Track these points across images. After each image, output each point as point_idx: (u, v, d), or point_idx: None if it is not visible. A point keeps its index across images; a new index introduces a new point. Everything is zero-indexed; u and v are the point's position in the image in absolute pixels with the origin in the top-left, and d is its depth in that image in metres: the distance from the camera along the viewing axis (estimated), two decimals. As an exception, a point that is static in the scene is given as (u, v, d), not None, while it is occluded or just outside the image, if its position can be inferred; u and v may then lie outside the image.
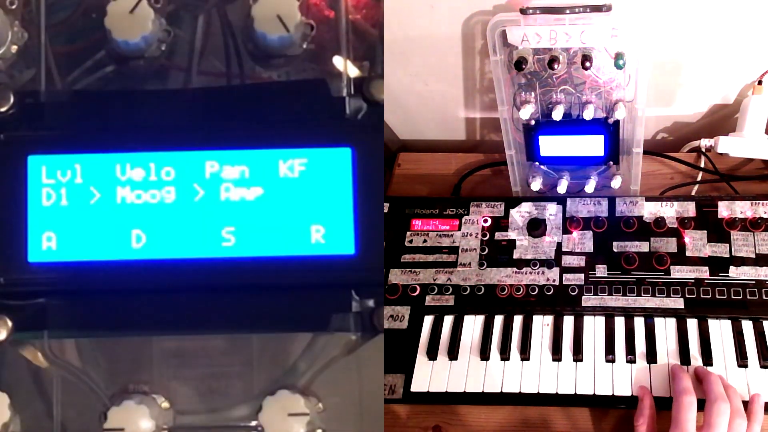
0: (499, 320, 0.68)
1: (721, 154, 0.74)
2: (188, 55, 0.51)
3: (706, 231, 0.68)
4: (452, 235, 0.73)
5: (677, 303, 0.65)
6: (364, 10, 0.51)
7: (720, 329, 0.64)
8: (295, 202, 0.49)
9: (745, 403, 0.57)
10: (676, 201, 0.71)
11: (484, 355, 0.65)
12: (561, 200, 0.73)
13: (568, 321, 0.66)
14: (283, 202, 0.49)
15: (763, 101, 0.72)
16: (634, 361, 0.63)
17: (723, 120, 0.80)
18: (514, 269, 0.70)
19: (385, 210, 0.77)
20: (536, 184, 0.73)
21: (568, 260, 0.69)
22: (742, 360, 0.61)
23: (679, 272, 0.66)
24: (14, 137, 0.49)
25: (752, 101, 0.73)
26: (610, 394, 0.61)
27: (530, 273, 0.70)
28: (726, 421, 0.54)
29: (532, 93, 0.67)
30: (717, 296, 0.65)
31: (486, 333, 0.67)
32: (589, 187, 0.72)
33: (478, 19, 0.69)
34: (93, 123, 0.49)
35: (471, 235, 0.73)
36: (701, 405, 0.56)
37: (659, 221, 0.69)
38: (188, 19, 0.51)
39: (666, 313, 0.65)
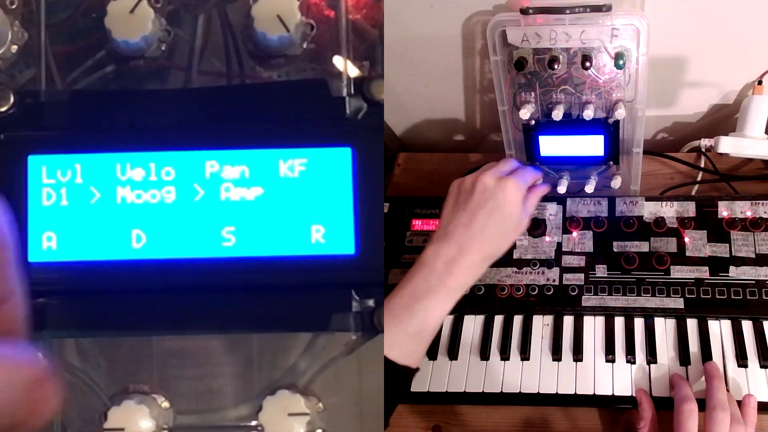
0: (499, 320, 0.68)
1: (721, 154, 0.74)
2: (188, 55, 0.51)
3: (706, 231, 0.69)
4: (452, 235, 0.73)
5: (677, 303, 0.65)
6: (364, 10, 0.51)
7: (720, 329, 0.64)
8: (295, 202, 0.49)
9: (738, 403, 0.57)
10: (676, 201, 0.71)
11: (484, 355, 0.65)
12: (561, 200, 0.73)
13: (568, 321, 0.66)
14: (283, 202, 0.49)
15: (763, 101, 0.72)
16: (634, 362, 0.63)
17: (723, 120, 0.80)
18: (514, 269, 0.70)
19: (385, 210, 0.77)
20: (536, 184, 0.73)
21: (568, 260, 0.69)
22: (742, 360, 0.61)
23: (679, 272, 0.66)
24: (14, 137, 0.49)
25: (752, 101, 0.73)
26: (610, 394, 0.61)
27: (530, 273, 0.70)
28: (725, 429, 0.54)
29: (532, 93, 0.67)
30: (717, 296, 0.65)
31: (486, 333, 0.67)
32: (589, 187, 0.72)
33: (478, 19, 0.70)
34: (93, 123, 0.49)
35: (471, 235, 0.73)
36: (702, 405, 0.56)
37: (659, 221, 0.69)
38: (188, 19, 0.51)
39: (666, 313, 0.65)
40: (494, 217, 0.57)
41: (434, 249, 0.56)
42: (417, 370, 0.54)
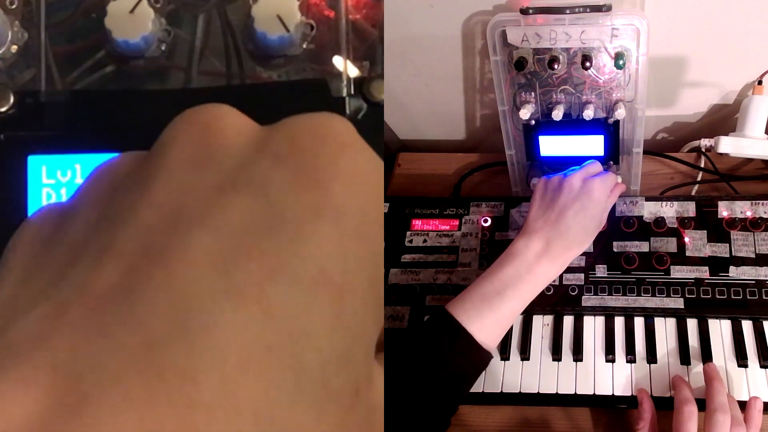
0: (499, 320, 0.68)
1: (721, 154, 0.74)
2: (188, 55, 0.51)
3: (706, 231, 0.68)
4: (452, 235, 0.74)
5: (677, 303, 0.65)
6: (364, 10, 0.51)
7: (720, 329, 0.64)
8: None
9: (743, 405, 0.57)
10: (676, 201, 0.71)
11: (484, 355, 0.65)
12: (561, 200, 0.73)
13: (568, 321, 0.66)
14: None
15: (763, 101, 0.72)
16: (634, 361, 0.63)
17: (723, 120, 0.80)
18: (514, 269, 0.70)
19: (385, 210, 0.77)
20: (536, 184, 0.73)
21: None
22: (742, 360, 0.61)
23: (679, 272, 0.66)
24: (14, 137, 0.49)
25: (752, 101, 0.73)
26: (610, 394, 0.61)
27: (530, 273, 0.69)
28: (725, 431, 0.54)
29: (532, 93, 0.67)
30: (717, 296, 0.65)
31: (486, 333, 0.67)
32: (589, 187, 0.72)
33: (478, 19, 0.69)
34: (93, 123, 0.49)
35: (471, 235, 0.73)
36: (702, 406, 0.56)
37: (659, 221, 0.69)
38: (188, 19, 0.51)
39: (666, 313, 0.65)
40: (580, 217, 0.60)
41: (524, 242, 0.59)
42: (491, 357, 0.56)
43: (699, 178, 0.77)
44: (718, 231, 0.68)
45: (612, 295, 0.67)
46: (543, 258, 0.59)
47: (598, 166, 0.66)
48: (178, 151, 0.21)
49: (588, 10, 0.60)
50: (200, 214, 0.18)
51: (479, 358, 0.55)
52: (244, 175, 0.19)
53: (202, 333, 0.16)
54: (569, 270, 0.68)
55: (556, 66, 0.63)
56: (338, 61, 0.50)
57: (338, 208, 0.19)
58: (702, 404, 0.56)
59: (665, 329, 0.64)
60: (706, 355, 0.62)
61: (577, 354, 0.64)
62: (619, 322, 0.66)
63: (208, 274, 0.17)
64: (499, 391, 0.63)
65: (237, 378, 0.16)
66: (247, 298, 0.17)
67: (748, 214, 0.69)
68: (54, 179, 0.48)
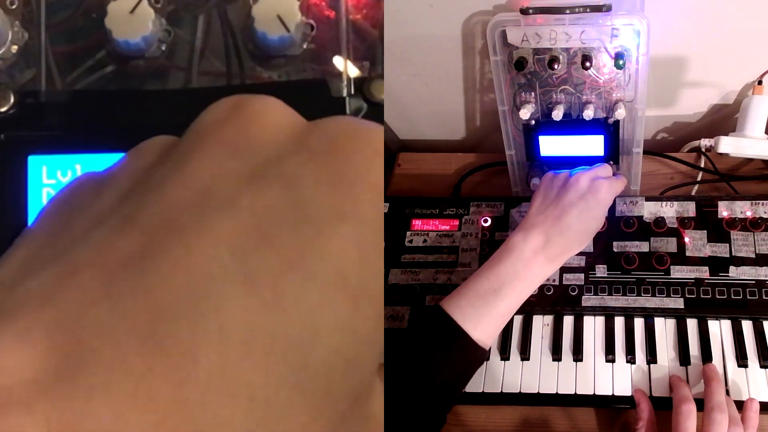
0: (499, 320, 0.68)
1: (721, 154, 0.74)
2: (188, 55, 0.51)
3: (706, 231, 0.68)
4: (452, 235, 0.73)
5: (677, 303, 0.65)
6: (364, 10, 0.51)
7: (720, 329, 0.64)
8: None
9: (739, 406, 0.57)
10: (676, 201, 0.71)
11: (484, 355, 0.65)
12: (561, 200, 0.73)
13: (568, 321, 0.66)
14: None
15: (763, 101, 0.72)
16: (634, 362, 0.63)
17: (723, 120, 0.80)
18: (514, 269, 0.70)
19: (385, 210, 0.77)
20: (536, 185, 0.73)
21: (567, 260, 0.69)
22: (742, 360, 0.61)
23: (679, 272, 0.66)
24: (14, 137, 0.49)
25: (752, 101, 0.73)
26: (610, 394, 0.61)
27: (530, 273, 0.69)
28: (723, 430, 0.54)
29: (532, 93, 0.67)
30: (717, 296, 0.65)
31: (486, 333, 0.67)
32: (589, 187, 0.72)
33: (478, 19, 0.70)
34: (93, 123, 0.49)
35: (471, 235, 0.73)
36: (701, 406, 0.56)
37: (659, 221, 0.69)
38: (188, 19, 0.51)
39: (666, 313, 0.65)
40: (582, 217, 0.59)
41: (522, 237, 0.58)
42: (487, 355, 0.55)
43: (699, 178, 0.77)
44: (718, 231, 0.68)
45: (612, 295, 0.67)
46: (540, 255, 0.58)
47: (608, 170, 0.66)
48: (217, 136, 0.21)
49: (588, 10, 0.60)
50: (227, 198, 0.19)
51: (475, 356, 0.55)
52: (277, 167, 0.20)
53: (210, 312, 0.16)
54: (569, 270, 0.68)
55: (556, 66, 0.63)
56: (338, 61, 0.50)
57: (363, 214, 0.19)
58: (701, 404, 0.56)
59: (665, 329, 0.64)
60: (706, 356, 0.62)
61: (577, 354, 0.64)
62: (619, 322, 0.66)
63: (226, 256, 0.17)
64: (499, 391, 0.63)
65: (238, 363, 0.16)
66: (261, 286, 0.17)
67: (748, 214, 0.69)
68: (54, 179, 0.48)
